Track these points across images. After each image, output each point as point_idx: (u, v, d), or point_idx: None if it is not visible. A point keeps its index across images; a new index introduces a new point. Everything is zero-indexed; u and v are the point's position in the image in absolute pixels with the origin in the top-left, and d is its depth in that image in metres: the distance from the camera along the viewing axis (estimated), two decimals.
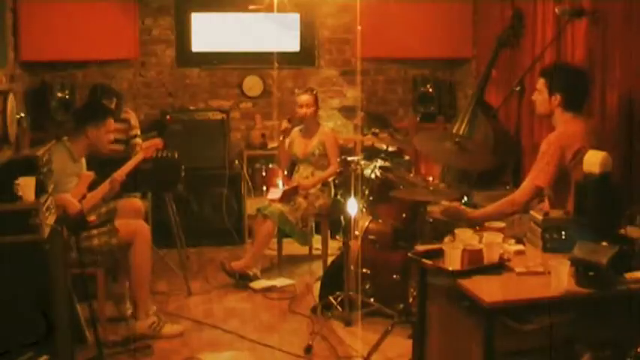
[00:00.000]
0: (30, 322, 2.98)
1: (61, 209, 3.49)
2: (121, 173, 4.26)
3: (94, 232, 3.97)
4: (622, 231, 2.82)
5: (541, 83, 3.51)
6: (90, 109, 4.40)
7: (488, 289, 2.55)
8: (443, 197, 3.99)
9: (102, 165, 4.31)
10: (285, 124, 5.33)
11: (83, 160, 4.22)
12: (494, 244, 2.82)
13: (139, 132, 5.47)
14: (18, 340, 2.92)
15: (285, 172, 5.47)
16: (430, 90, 6.48)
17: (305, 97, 5.29)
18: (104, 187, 4.16)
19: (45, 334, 2.98)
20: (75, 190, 3.94)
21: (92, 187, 4.10)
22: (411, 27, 6.21)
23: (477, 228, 3.21)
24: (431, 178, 4.42)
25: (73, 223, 3.63)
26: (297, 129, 5.42)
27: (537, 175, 3.36)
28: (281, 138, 5.38)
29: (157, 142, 4.64)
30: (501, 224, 3.12)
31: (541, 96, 3.50)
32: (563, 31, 4.44)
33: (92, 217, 4.00)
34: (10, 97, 4.55)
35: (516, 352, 2.57)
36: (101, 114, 4.22)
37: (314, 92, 5.34)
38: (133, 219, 4.35)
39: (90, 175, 4.08)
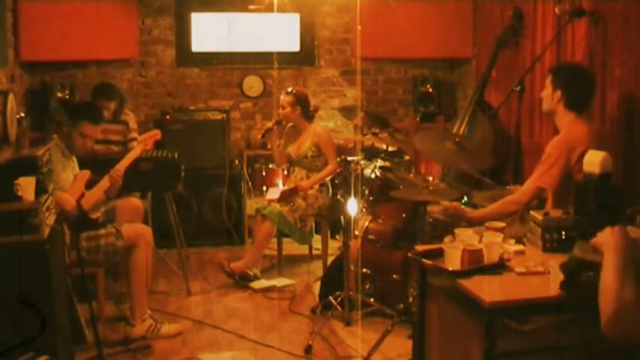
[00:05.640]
0: (30, 322, 2.98)
1: (59, 207, 3.48)
2: (119, 167, 4.19)
3: (102, 231, 3.97)
4: None
5: (548, 79, 3.53)
6: (87, 107, 4.37)
7: (488, 289, 2.55)
8: (443, 197, 4.00)
9: (98, 165, 4.28)
10: (268, 124, 5.35)
11: (74, 159, 4.19)
12: (494, 244, 2.82)
13: (137, 136, 5.44)
14: (18, 340, 2.92)
15: (286, 173, 5.47)
16: (430, 90, 6.48)
17: (282, 98, 5.29)
18: (104, 184, 4.12)
19: (40, 332, 2.97)
20: (71, 188, 3.92)
21: (90, 186, 4.08)
22: (411, 27, 6.20)
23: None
24: (431, 178, 4.41)
25: (76, 221, 3.64)
26: (290, 129, 5.41)
27: (541, 177, 3.35)
28: (262, 135, 5.42)
29: (155, 132, 4.52)
30: (501, 224, 3.12)
31: (546, 92, 3.52)
32: (563, 31, 4.45)
33: (96, 215, 4.00)
34: (10, 97, 4.55)
35: (516, 352, 2.57)
36: (96, 115, 4.21)
37: (293, 92, 5.25)
38: (132, 219, 4.35)
39: (86, 174, 4.05)
